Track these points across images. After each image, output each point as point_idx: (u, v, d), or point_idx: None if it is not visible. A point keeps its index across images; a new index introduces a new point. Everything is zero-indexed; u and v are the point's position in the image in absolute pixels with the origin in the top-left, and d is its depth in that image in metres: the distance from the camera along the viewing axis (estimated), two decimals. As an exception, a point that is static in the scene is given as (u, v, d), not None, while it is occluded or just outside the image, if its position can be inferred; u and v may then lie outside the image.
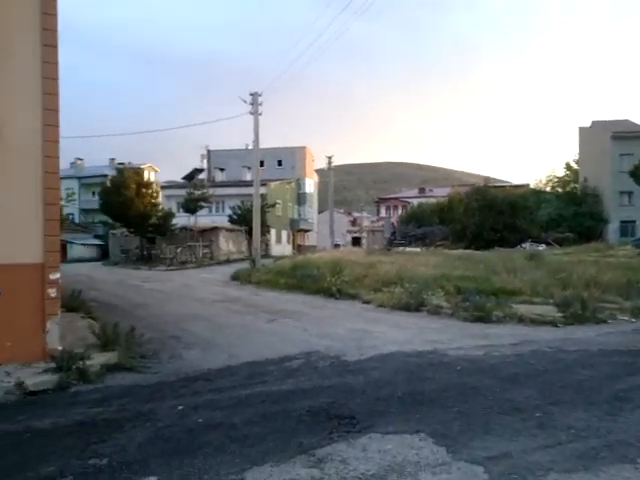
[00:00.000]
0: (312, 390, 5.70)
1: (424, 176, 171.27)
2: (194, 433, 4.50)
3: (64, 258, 45.57)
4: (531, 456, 3.92)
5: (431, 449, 4.08)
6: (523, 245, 35.98)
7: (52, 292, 6.83)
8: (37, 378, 5.94)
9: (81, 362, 6.29)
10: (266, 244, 45.02)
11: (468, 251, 30.64)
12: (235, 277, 21.76)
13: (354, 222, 78.97)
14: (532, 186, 59.77)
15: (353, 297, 14.06)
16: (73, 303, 11.52)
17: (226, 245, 39.96)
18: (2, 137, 6.67)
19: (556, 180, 63.70)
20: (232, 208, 43.32)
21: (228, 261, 36.13)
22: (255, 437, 4.37)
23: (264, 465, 3.84)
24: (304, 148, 62.24)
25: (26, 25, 6.99)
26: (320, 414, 4.89)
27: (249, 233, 35.62)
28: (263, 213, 36.52)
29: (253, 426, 4.62)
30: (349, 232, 70.35)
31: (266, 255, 40.52)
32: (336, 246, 48.83)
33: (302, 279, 16.99)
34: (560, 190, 55.71)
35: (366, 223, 68.66)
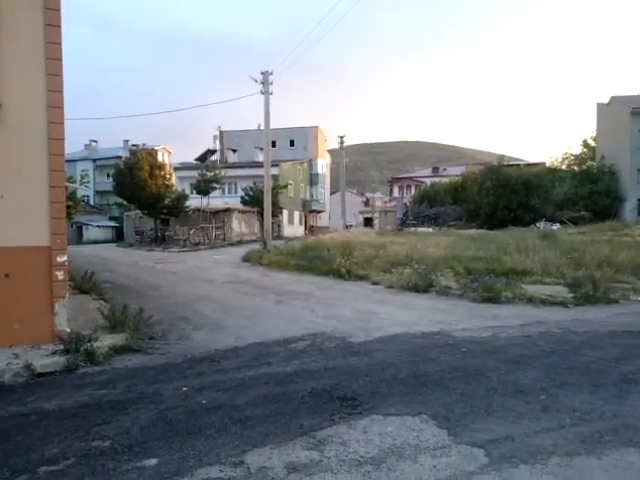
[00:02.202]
0: (316, 371, 5.69)
1: (438, 155, 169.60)
2: (197, 415, 4.51)
3: (80, 239, 46.20)
4: (533, 439, 3.88)
5: (432, 431, 4.05)
6: (537, 224, 35.54)
7: (60, 274, 6.87)
8: (45, 360, 6.01)
9: (89, 344, 6.34)
10: (278, 225, 45.09)
11: (481, 231, 30.41)
12: (246, 258, 21.81)
13: (367, 202, 78.64)
14: (547, 164, 58.78)
15: (362, 278, 14.02)
16: (85, 285, 11.66)
17: (238, 226, 40.05)
18: (6, 119, 6.66)
19: (572, 158, 62.48)
20: (244, 189, 43.38)
21: (240, 242, 36.24)
22: (257, 419, 4.37)
23: (264, 447, 3.84)
24: (316, 128, 61.83)
25: (29, 5, 6.91)
26: (322, 396, 4.88)
27: (261, 214, 35.60)
28: (275, 194, 36.51)
29: (255, 408, 4.63)
30: (361, 213, 69.99)
31: (278, 236, 40.62)
32: (348, 227, 48.70)
33: (312, 260, 16.96)
34: (576, 168, 54.68)
35: (379, 203, 68.34)
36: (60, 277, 6.89)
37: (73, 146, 61.17)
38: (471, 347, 6.65)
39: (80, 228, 49.86)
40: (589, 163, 54.33)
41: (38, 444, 4.01)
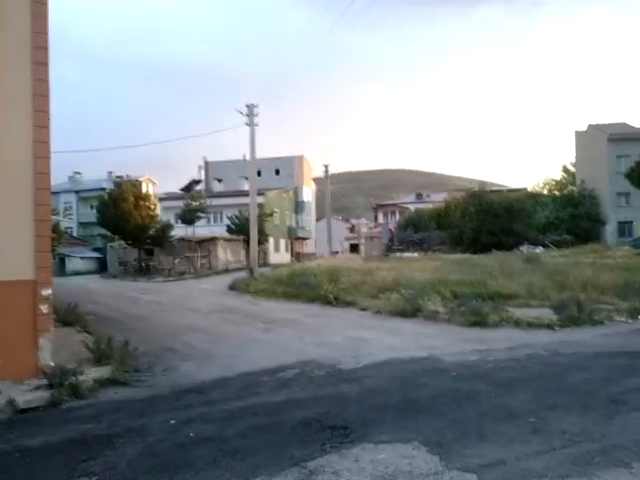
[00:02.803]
0: (306, 400, 5.65)
1: (421, 182, 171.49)
2: (185, 448, 4.44)
3: (62, 271, 45.58)
4: (525, 462, 3.87)
5: (424, 458, 4.03)
6: (520, 248, 35.89)
7: (44, 308, 6.77)
8: (29, 395, 5.88)
9: (74, 378, 6.22)
10: (264, 253, 44.99)
11: (465, 255, 30.62)
12: (233, 287, 21.72)
13: (352, 229, 78.96)
14: (529, 189, 59.83)
15: (350, 304, 14.02)
16: (69, 317, 11.49)
17: (224, 255, 39.91)
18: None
19: (553, 183, 63.79)
20: (230, 218, 43.32)
21: (227, 271, 36.08)
22: (246, 450, 4.31)
23: (255, 479, 3.78)
24: (301, 157, 62.39)
25: (17, 43, 6.99)
26: (313, 425, 4.83)
27: (247, 242, 35.54)
28: (261, 222, 36.55)
29: (245, 439, 4.57)
30: (347, 239, 70.33)
31: (264, 264, 40.45)
32: (334, 253, 48.76)
33: (299, 287, 16.95)
34: (557, 193, 55.75)
35: (364, 229, 68.65)
36: (44, 311, 6.79)
37: (57, 178, 60.83)
38: (460, 371, 6.66)
39: (63, 260, 49.22)
40: (570, 188, 55.51)
41: (22, 482, 3.91)
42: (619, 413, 4.90)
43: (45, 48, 7.16)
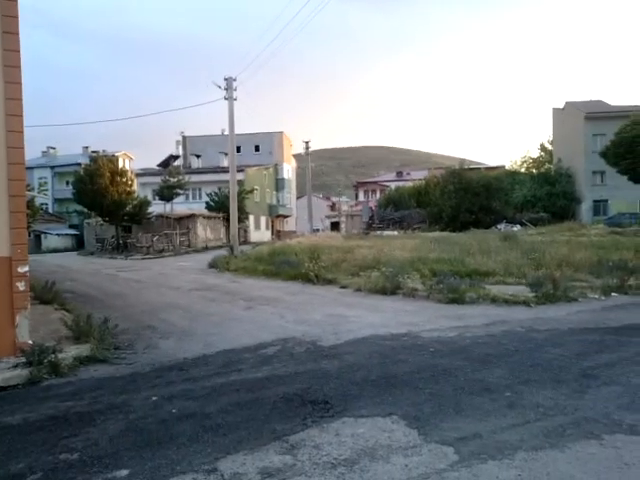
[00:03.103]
0: (287, 377, 5.71)
1: (402, 159, 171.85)
2: (167, 424, 4.47)
3: (39, 248, 44.83)
4: (500, 435, 4.00)
5: (403, 431, 4.13)
6: (498, 226, 36.44)
7: (21, 285, 6.68)
8: (7, 373, 5.83)
9: (53, 355, 6.18)
10: (245, 230, 44.84)
11: (444, 233, 30.96)
12: (213, 265, 21.63)
13: (333, 207, 78.97)
14: (507, 167, 60.39)
15: (331, 282, 14.09)
16: (47, 295, 11.35)
17: (204, 232, 39.65)
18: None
19: (531, 161, 64.48)
20: (209, 195, 42.97)
21: (206, 248, 35.89)
22: (229, 426, 4.36)
23: (237, 453, 3.84)
24: (281, 133, 61.81)
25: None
26: (294, 400, 4.90)
27: (227, 220, 35.37)
28: (241, 199, 36.30)
29: (227, 415, 4.61)
30: (328, 217, 70.30)
31: (245, 242, 40.40)
32: (315, 231, 48.82)
33: (280, 265, 16.96)
34: (534, 171, 56.38)
35: (345, 207, 68.72)
36: (21, 288, 6.70)
37: (31, 153, 59.34)
38: (438, 347, 6.79)
39: (39, 237, 48.46)
40: (547, 166, 56.18)
41: (3, 459, 3.90)
42: (590, 387, 5.06)
43: (15, 17, 6.90)
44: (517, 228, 34.47)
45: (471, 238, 22.18)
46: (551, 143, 57.85)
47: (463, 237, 24.07)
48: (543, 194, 44.66)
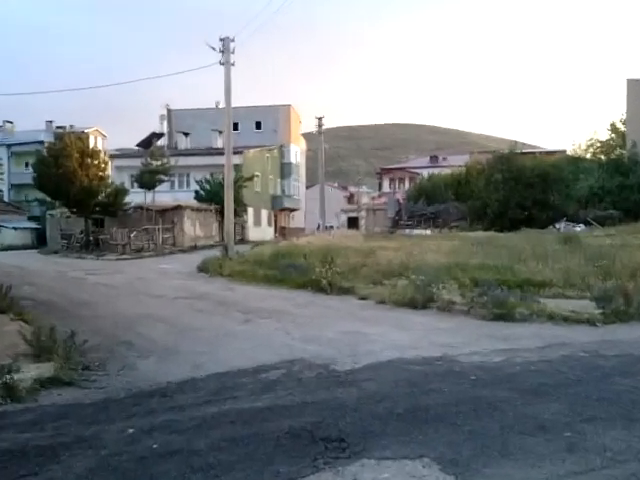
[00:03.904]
0: (293, 407, 5.74)
1: (437, 141, 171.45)
2: (147, 462, 4.51)
3: (-9, 246, 45.30)
4: (557, 485, 3.99)
5: (437, 477, 4.13)
6: (557, 226, 36.20)
7: (-29, 290, 6.77)
8: (-47, 397, 5.91)
9: (8, 376, 6.27)
10: (242, 227, 45.06)
11: (489, 233, 30.84)
12: (202, 268, 21.84)
13: (351, 198, 79.13)
14: (569, 153, 59.94)
15: (347, 292, 14.14)
16: (0, 302, 11.49)
17: (192, 228, 39.88)
18: None
19: (598, 145, 63.88)
20: (199, 182, 43.22)
21: (195, 248, 36.12)
22: (222, 466, 4.39)
23: (232, 500, 3.87)
24: (288, 107, 62.00)
25: None
26: (303, 436, 4.92)
27: (220, 213, 35.56)
28: (238, 189, 36.48)
29: (219, 452, 4.64)
30: (344, 211, 70.49)
31: (242, 240, 40.60)
32: (328, 228, 48.92)
33: (285, 270, 17.07)
34: (603, 158, 55.89)
35: (365, 200, 68.85)
36: (-29, 293, 6.79)
37: (-18, 128, 60.18)
38: (481, 375, 6.78)
39: (-9, 230, 49.02)
40: (618, 151, 55.58)
41: (-53, 503, 3.97)
42: (671, 428, 5.02)
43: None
44: (580, 228, 34.24)
45: (523, 240, 22.09)
46: (624, 123, 57.29)
47: (513, 238, 23.98)
48: (613, 186, 44.21)
